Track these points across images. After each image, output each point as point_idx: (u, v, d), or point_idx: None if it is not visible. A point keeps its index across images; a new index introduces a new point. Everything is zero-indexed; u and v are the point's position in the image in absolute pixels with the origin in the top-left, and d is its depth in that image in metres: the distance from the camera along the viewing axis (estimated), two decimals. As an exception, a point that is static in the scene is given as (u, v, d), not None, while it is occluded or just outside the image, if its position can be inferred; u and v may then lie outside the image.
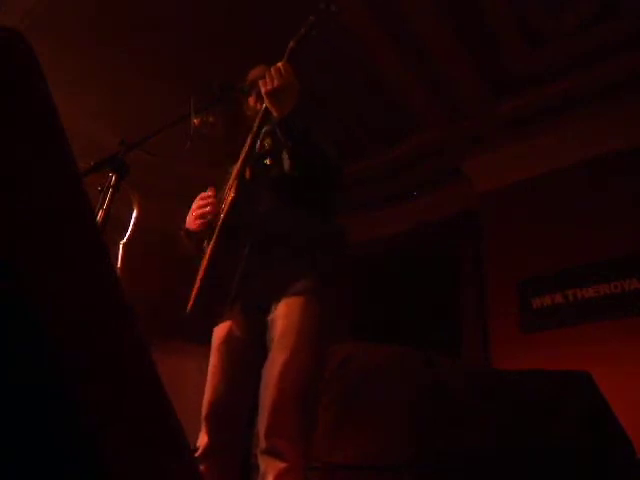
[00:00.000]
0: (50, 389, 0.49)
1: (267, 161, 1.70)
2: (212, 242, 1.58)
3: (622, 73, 3.75)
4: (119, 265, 1.58)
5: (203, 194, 1.69)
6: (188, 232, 1.73)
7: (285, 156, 1.60)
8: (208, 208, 1.63)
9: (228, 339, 1.63)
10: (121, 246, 1.61)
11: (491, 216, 4.51)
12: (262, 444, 1.45)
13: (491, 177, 4.52)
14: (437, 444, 2.05)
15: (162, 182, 4.29)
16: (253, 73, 1.82)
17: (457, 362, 3.29)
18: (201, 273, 1.58)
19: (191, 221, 1.69)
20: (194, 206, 1.69)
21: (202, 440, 1.57)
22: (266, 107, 1.59)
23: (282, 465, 1.40)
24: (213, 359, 1.65)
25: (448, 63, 3.88)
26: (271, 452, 1.43)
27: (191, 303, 1.61)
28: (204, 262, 1.59)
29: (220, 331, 1.67)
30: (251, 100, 1.80)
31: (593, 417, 2.02)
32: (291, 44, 1.61)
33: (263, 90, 1.53)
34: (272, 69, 1.52)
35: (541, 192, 4.20)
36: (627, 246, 3.71)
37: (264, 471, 1.43)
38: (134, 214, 1.71)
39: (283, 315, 1.53)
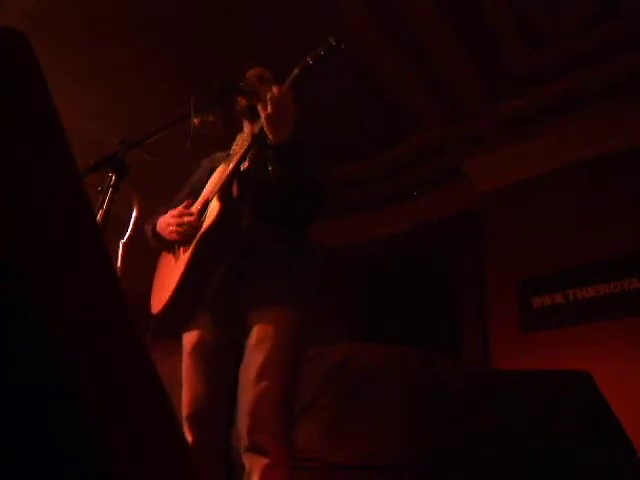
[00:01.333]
0: (50, 389, 0.49)
1: (250, 174, 1.70)
2: (191, 252, 1.60)
3: (622, 73, 3.75)
4: (119, 265, 1.58)
5: (185, 211, 1.69)
6: (157, 235, 1.74)
7: (271, 170, 1.61)
8: (188, 230, 1.63)
9: (199, 344, 1.65)
10: (121, 246, 1.60)
11: (491, 216, 4.51)
12: (245, 441, 1.48)
13: (491, 177, 4.52)
14: (437, 444, 2.05)
15: (162, 182, 4.28)
16: (251, 73, 1.82)
17: (457, 362, 3.29)
18: (178, 281, 1.60)
19: (166, 231, 1.69)
20: (173, 219, 1.68)
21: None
22: (260, 130, 1.60)
23: (266, 461, 1.43)
24: (187, 362, 1.67)
25: (448, 63, 3.88)
26: (254, 449, 1.46)
27: (162, 307, 1.62)
28: (181, 270, 1.60)
29: (190, 337, 1.68)
30: (243, 101, 1.80)
31: (593, 417, 2.02)
32: (295, 72, 1.60)
33: (262, 114, 1.53)
34: (272, 94, 1.52)
35: (541, 192, 4.20)
36: (627, 246, 3.71)
37: (249, 469, 1.47)
38: (134, 214, 1.71)
39: (258, 326, 1.56)
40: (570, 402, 2.05)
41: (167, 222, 1.70)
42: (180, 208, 1.71)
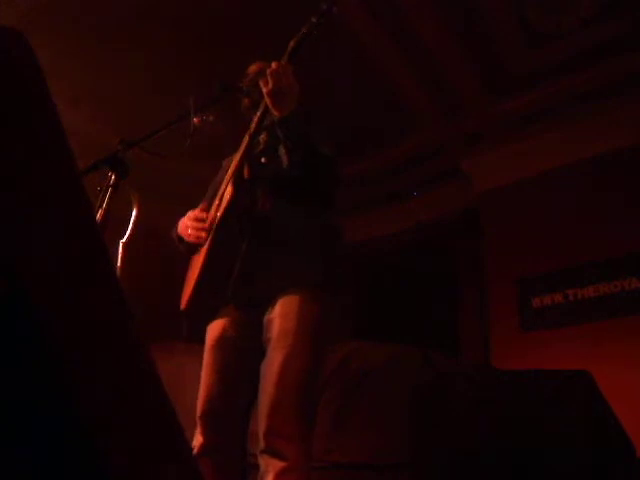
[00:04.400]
0: (50, 390, 0.49)
1: (263, 159, 1.71)
2: (209, 241, 1.59)
3: (622, 73, 3.75)
4: (119, 265, 1.58)
5: (199, 215, 1.69)
6: (180, 238, 1.75)
7: (282, 152, 1.60)
8: (203, 234, 1.64)
9: (222, 339, 1.63)
10: (121, 246, 1.60)
11: (491, 215, 4.51)
12: (261, 444, 1.45)
13: (491, 176, 4.52)
14: (437, 444, 2.05)
15: (162, 182, 4.29)
16: (252, 69, 1.82)
17: (457, 362, 3.29)
18: (198, 272, 1.59)
19: (185, 233, 1.70)
20: (190, 221, 1.69)
21: (197, 440, 1.57)
22: (264, 107, 1.59)
23: (282, 464, 1.40)
24: (207, 358, 1.64)
25: (448, 63, 3.88)
26: (271, 451, 1.43)
27: (187, 301, 1.62)
28: (201, 261, 1.60)
29: (214, 330, 1.66)
30: (246, 100, 1.80)
31: (593, 417, 2.02)
32: (291, 44, 1.59)
33: (264, 90, 1.52)
34: (271, 69, 1.51)
35: (541, 191, 4.20)
36: (627, 246, 3.71)
37: (264, 470, 1.44)
38: (134, 214, 1.71)
39: (280, 315, 1.53)
40: (570, 402, 2.04)
41: (185, 225, 1.71)
42: (197, 211, 1.71)
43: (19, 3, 3.22)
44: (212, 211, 1.70)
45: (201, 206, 1.73)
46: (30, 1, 3.23)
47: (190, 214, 1.72)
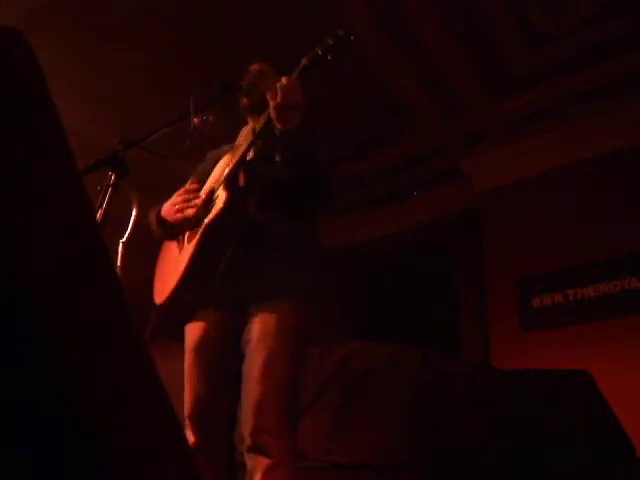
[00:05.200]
0: (50, 390, 0.49)
1: (249, 155, 1.70)
2: (197, 240, 1.59)
3: (622, 73, 3.75)
4: (119, 264, 1.57)
5: (189, 188, 1.69)
6: (162, 220, 1.73)
7: (279, 161, 1.60)
8: (192, 203, 1.63)
9: (204, 340, 1.64)
10: (121, 245, 1.60)
11: (491, 215, 4.51)
12: (247, 442, 1.48)
13: (491, 176, 4.52)
14: (437, 444, 2.05)
15: (162, 182, 4.28)
16: (253, 68, 1.82)
17: (457, 362, 3.29)
18: (184, 269, 1.59)
19: (171, 212, 1.68)
20: (177, 198, 1.68)
21: (189, 440, 1.58)
22: (268, 118, 1.60)
23: (269, 461, 1.43)
24: (189, 360, 1.65)
25: (448, 63, 3.88)
26: (257, 449, 1.45)
27: (168, 297, 1.61)
28: (187, 258, 1.59)
29: (194, 331, 1.66)
30: (245, 100, 1.80)
31: (593, 417, 2.02)
32: (304, 61, 1.61)
33: (271, 103, 1.54)
34: (282, 84, 1.53)
35: (541, 191, 4.20)
36: (627, 245, 3.71)
37: (252, 468, 1.46)
38: (134, 213, 1.71)
39: (261, 320, 1.55)
40: (570, 402, 2.05)
41: (172, 202, 1.69)
42: (186, 187, 1.70)
43: (19, 3, 3.22)
44: (199, 198, 1.68)
45: (189, 182, 1.73)
46: (30, 1, 3.23)
47: (179, 191, 1.71)
